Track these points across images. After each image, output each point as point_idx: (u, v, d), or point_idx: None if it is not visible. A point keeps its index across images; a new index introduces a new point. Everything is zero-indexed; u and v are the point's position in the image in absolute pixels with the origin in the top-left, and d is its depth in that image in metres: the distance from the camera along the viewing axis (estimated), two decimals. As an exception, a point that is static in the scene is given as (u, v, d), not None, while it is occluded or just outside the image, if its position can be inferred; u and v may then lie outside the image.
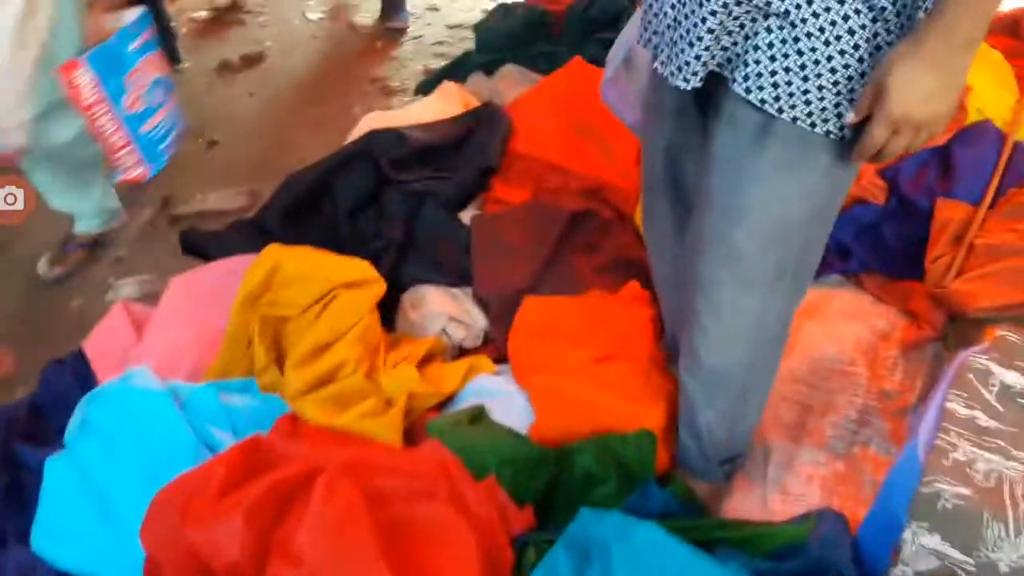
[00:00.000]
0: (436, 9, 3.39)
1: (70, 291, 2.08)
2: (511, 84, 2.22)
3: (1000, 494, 1.14)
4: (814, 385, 1.60)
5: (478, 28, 2.56)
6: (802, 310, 1.45)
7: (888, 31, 0.92)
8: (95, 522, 1.24)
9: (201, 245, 1.80)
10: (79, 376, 1.52)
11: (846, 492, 1.47)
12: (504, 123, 1.96)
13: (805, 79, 0.94)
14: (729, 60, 0.99)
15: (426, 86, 2.52)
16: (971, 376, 1.26)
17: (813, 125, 0.96)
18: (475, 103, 2.12)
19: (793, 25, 0.92)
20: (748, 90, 0.97)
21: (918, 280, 1.73)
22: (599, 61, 2.14)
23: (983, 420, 1.22)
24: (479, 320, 1.66)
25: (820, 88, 0.94)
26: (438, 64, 2.92)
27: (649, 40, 1.10)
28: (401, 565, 1.09)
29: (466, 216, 1.85)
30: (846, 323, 1.69)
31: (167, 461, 1.25)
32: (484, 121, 1.98)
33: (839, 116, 0.96)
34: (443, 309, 1.62)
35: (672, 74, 1.03)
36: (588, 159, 1.91)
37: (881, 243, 1.81)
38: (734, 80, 0.99)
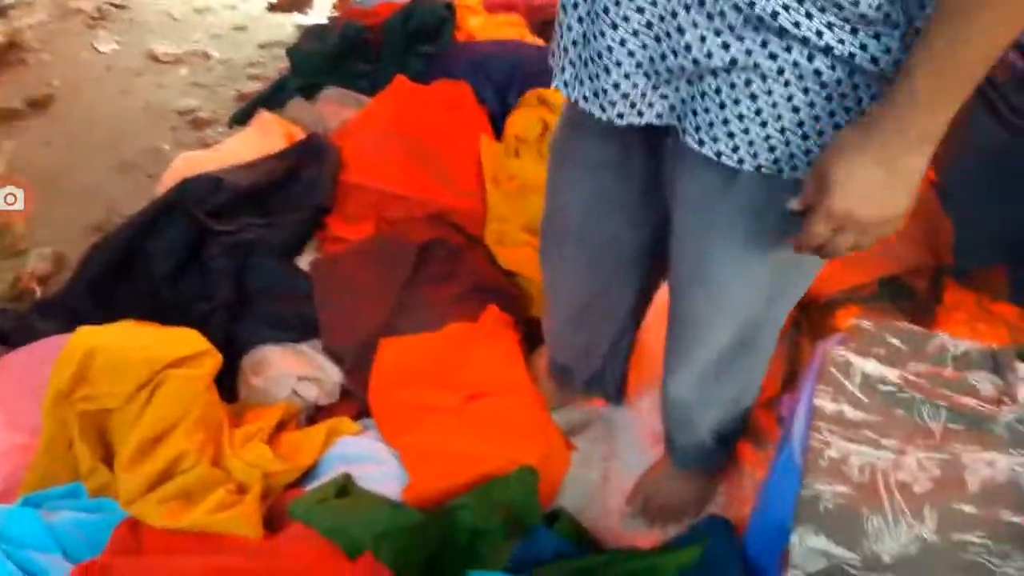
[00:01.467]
0: (243, 29, 3.18)
1: None
2: (334, 108, 2.09)
3: (875, 486, 1.15)
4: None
5: (292, 52, 2.40)
6: (660, 308, 1.44)
7: (864, 78, 0.80)
8: None
9: (2, 331, 1.58)
10: None
11: (728, 491, 1.49)
12: (333, 155, 1.83)
13: (763, 124, 0.83)
14: (672, 108, 0.88)
15: (241, 116, 2.34)
16: (833, 369, 1.26)
17: (780, 171, 0.86)
18: (298, 133, 1.98)
19: (743, 69, 0.80)
20: (701, 142, 0.86)
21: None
22: (422, 77, 2.06)
23: (850, 413, 1.23)
24: (333, 374, 1.53)
25: (783, 131, 0.83)
26: (252, 88, 2.73)
27: (552, 53, 0.96)
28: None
29: (303, 261, 1.71)
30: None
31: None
32: (311, 155, 1.83)
33: (810, 162, 0.84)
34: (289, 370, 1.48)
35: (586, 98, 0.91)
36: (427, 184, 1.81)
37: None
38: (684, 131, 0.88)
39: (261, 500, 1.23)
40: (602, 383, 1.49)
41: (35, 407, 1.31)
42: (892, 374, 1.24)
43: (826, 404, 1.23)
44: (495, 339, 1.56)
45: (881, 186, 0.77)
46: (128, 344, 1.32)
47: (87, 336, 1.31)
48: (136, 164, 2.45)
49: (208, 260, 1.63)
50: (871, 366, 1.26)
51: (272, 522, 1.25)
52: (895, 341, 1.30)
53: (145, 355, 1.29)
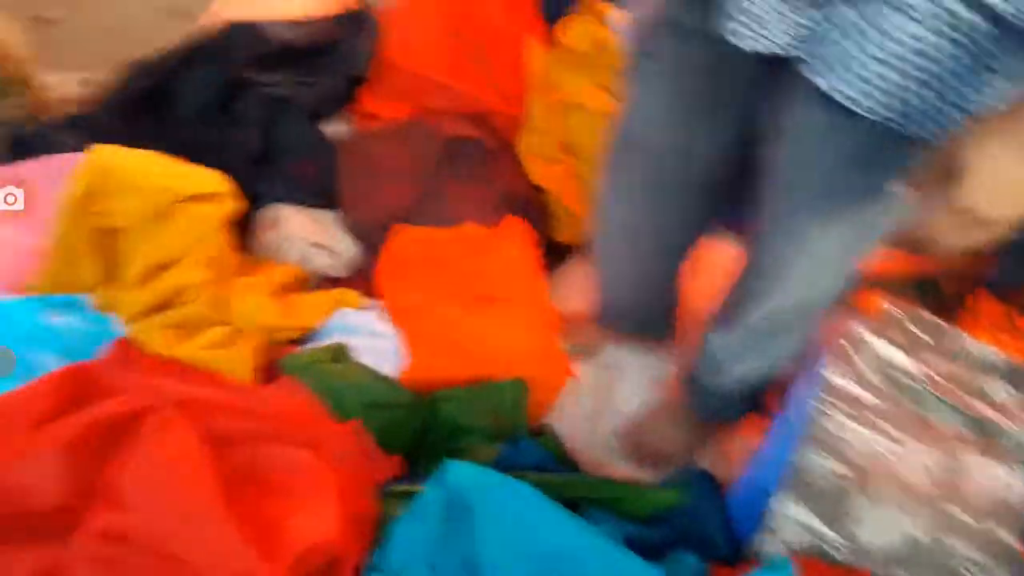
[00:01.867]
0: None
1: None
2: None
3: (865, 468, 1.14)
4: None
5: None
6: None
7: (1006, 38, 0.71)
8: None
9: (29, 145, 1.53)
10: None
11: (717, 449, 1.47)
12: (373, 29, 1.75)
13: (889, 65, 0.74)
14: (797, 35, 0.79)
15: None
16: (847, 345, 1.25)
17: (895, 123, 0.77)
18: (351, 1, 1.90)
19: (878, 1, 0.72)
20: (819, 75, 0.78)
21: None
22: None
23: (856, 391, 1.21)
24: (346, 247, 1.50)
25: (907, 76, 0.75)
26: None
27: None
28: (250, 514, 0.96)
29: (329, 130, 1.66)
30: (724, 279, 1.67)
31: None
32: (355, 26, 1.76)
33: (935, 120, 0.76)
34: (303, 232, 1.45)
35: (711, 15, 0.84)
36: (471, 79, 1.74)
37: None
38: (803, 61, 0.80)
39: (257, 351, 1.22)
40: (652, 325, 1.46)
41: (41, 221, 1.28)
42: (906, 361, 1.22)
43: (835, 378, 1.22)
44: (513, 248, 1.52)
45: (1019, 184, 0.67)
46: (149, 169, 1.28)
47: (107, 152, 1.28)
48: (181, 9, 2.38)
49: (239, 110, 1.58)
50: (886, 349, 1.25)
51: (265, 379, 1.23)
52: (915, 329, 1.27)
53: (164, 182, 1.26)
